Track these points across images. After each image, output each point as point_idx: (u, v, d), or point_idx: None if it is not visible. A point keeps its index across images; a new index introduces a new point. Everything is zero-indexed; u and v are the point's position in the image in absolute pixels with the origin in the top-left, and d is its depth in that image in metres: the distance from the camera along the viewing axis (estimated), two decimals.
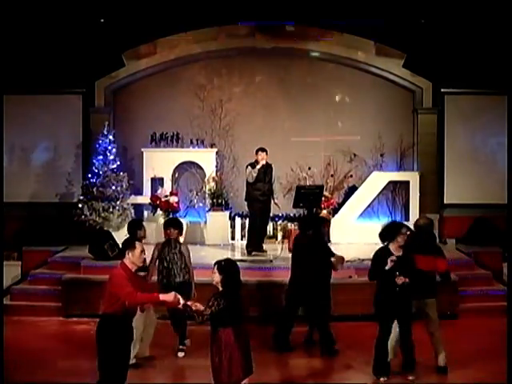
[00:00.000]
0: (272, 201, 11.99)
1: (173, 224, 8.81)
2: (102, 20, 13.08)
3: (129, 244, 6.65)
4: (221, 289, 6.11)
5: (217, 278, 6.11)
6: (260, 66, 14.35)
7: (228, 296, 6.05)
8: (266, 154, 11.90)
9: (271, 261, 11.27)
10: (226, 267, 6.15)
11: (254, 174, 11.74)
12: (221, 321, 6.03)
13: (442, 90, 14.02)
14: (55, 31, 12.88)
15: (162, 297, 6.32)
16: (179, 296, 6.24)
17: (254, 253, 11.73)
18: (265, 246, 12.10)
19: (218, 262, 6.20)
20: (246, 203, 12.27)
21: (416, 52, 13.61)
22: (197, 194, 13.77)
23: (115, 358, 6.31)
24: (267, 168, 11.90)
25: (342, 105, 14.35)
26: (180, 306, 6.26)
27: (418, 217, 13.36)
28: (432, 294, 7.86)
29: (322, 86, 14.29)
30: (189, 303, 6.20)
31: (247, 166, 11.96)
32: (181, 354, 8.59)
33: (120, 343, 6.34)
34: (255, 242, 11.94)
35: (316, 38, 14.04)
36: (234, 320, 6.07)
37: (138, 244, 6.60)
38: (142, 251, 6.58)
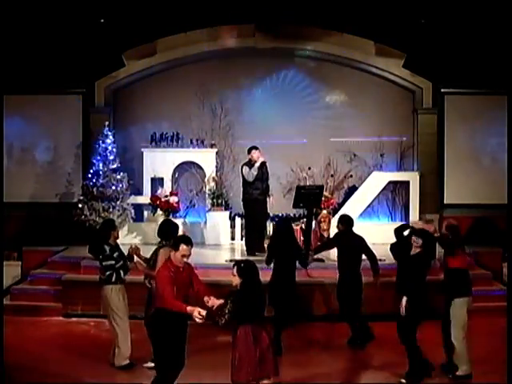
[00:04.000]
0: (268, 199, 11.94)
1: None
2: (102, 20, 13.07)
3: (175, 243, 6.64)
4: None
5: (236, 280, 6.17)
6: (260, 66, 14.35)
7: (245, 296, 6.07)
8: (260, 151, 11.88)
9: None
10: (246, 270, 6.18)
11: (255, 173, 11.70)
12: (238, 319, 6.07)
13: (442, 90, 14.02)
14: (55, 31, 12.87)
15: (189, 309, 6.27)
16: (203, 313, 6.18)
17: (256, 253, 11.67)
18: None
19: (238, 264, 6.23)
20: (242, 203, 12.19)
21: (416, 52, 13.60)
22: (197, 194, 13.79)
23: (169, 350, 6.46)
24: (262, 166, 11.88)
25: (342, 105, 14.35)
26: (201, 321, 6.23)
27: (417, 217, 13.47)
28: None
29: (322, 86, 14.29)
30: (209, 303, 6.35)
31: (243, 166, 11.90)
32: None
33: (173, 334, 6.46)
34: (257, 243, 11.87)
35: (316, 38, 14.07)
36: (251, 319, 6.10)
37: (182, 247, 6.55)
38: (184, 256, 6.57)
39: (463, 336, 7.72)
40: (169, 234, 7.86)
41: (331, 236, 12.97)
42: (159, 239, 8.11)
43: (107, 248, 8.17)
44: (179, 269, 6.55)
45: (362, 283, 8.96)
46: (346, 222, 9.26)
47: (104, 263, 8.15)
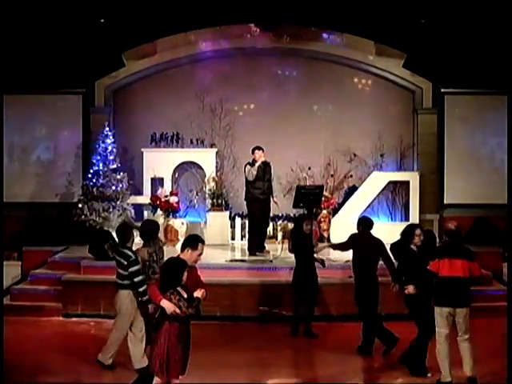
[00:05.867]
0: (271, 199, 12.01)
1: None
2: (102, 20, 13.08)
3: (192, 241, 6.56)
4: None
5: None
6: (260, 66, 14.36)
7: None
8: (263, 152, 11.93)
9: (271, 261, 11.28)
10: None
11: (254, 172, 11.75)
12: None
13: (442, 89, 14.03)
14: (55, 31, 12.88)
15: (163, 303, 6.16)
16: (178, 310, 6.10)
17: (257, 253, 11.72)
18: (266, 246, 12.09)
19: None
20: (245, 203, 12.27)
21: (416, 52, 13.62)
22: (197, 194, 13.79)
23: None
24: (266, 166, 11.92)
25: (342, 105, 14.35)
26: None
27: (418, 217, 13.47)
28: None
29: (322, 85, 14.30)
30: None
31: (246, 166, 11.98)
32: None
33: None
34: (257, 242, 11.91)
35: (316, 38, 14.08)
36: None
37: (201, 246, 6.51)
38: (200, 255, 6.54)
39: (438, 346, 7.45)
40: (152, 234, 7.93)
41: (332, 236, 13.08)
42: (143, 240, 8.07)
43: (130, 253, 7.83)
44: (191, 269, 6.44)
45: (378, 285, 8.77)
46: (364, 223, 9.17)
47: (131, 269, 7.72)
